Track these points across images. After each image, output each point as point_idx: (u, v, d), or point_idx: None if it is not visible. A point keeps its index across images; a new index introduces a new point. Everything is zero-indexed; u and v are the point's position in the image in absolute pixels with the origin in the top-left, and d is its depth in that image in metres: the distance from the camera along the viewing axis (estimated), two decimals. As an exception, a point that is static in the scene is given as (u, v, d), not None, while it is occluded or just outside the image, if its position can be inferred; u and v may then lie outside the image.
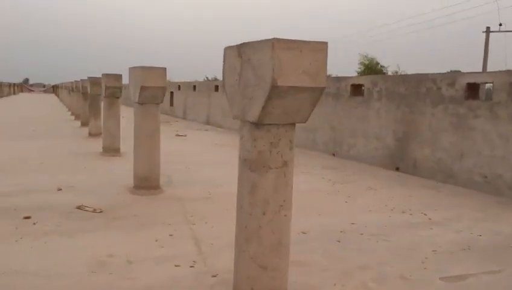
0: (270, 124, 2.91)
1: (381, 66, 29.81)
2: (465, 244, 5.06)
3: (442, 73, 9.11)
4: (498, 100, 7.82)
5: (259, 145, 2.95)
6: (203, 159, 10.57)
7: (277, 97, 2.75)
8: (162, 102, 6.65)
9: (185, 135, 16.16)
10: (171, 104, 28.52)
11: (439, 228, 5.72)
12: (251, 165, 2.99)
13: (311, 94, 2.85)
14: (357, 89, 11.51)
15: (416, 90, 9.57)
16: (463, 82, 8.48)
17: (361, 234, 5.30)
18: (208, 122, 21.85)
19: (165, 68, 6.55)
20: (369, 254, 4.65)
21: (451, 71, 23.14)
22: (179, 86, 26.96)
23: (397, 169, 10.03)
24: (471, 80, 8.34)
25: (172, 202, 6.40)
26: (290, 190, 3.13)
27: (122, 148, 11.24)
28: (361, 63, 30.62)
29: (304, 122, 3.08)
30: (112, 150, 10.43)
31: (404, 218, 6.13)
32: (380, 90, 10.61)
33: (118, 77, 10.17)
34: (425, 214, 6.34)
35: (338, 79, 12.47)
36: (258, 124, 2.91)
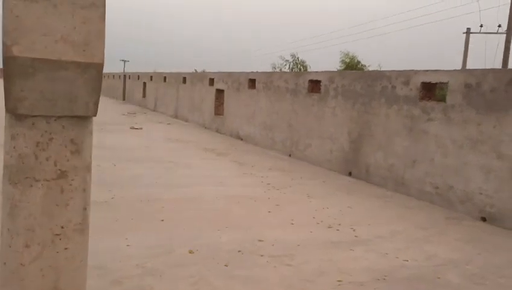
0: (35, 116, 1.99)
1: (362, 65, 28.98)
2: (382, 273, 4.18)
3: (398, 70, 8.24)
4: (452, 102, 6.96)
5: (20, 146, 2.02)
6: (140, 156, 9.63)
7: (21, 74, 1.83)
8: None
9: (141, 128, 15.18)
10: (144, 95, 27.48)
11: (362, 248, 4.83)
12: (11, 176, 2.06)
13: (81, 73, 1.93)
14: (315, 86, 10.62)
15: (372, 89, 8.69)
16: (417, 81, 7.61)
17: (262, 255, 4.40)
18: (176, 116, 20.87)
19: None
20: (255, 285, 3.74)
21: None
22: (151, 76, 25.91)
23: (350, 174, 9.16)
24: (426, 79, 7.47)
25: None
26: (76, 212, 2.20)
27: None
28: (342, 61, 29.77)
29: (92, 115, 2.15)
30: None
31: (326, 235, 5.24)
32: (336, 88, 9.72)
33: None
34: (353, 230, 5.46)
35: (297, 74, 11.56)
36: (17, 115, 1.98)
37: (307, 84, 10.76)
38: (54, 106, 1.99)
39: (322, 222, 5.74)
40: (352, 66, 29.06)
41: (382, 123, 8.39)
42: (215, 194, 6.65)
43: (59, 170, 2.09)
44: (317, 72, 10.65)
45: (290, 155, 11.27)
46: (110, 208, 5.59)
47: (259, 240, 4.81)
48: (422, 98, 7.56)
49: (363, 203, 6.92)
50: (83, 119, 2.12)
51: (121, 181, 7.07)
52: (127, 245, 4.37)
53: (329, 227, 5.55)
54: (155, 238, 4.63)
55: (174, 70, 21.33)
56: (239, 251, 4.44)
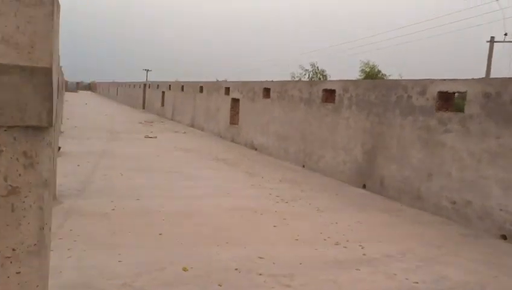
0: (-19, 126, 1.80)
1: (382, 75, 28.47)
2: (388, 297, 3.87)
3: (414, 79, 7.91)
4: (470, 113, 6.60)
5: (-35, 159, 1.83)
6: (149, 165, 9.48)
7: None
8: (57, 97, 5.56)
9: (155, 137, 15.11)
10: (162, 104, 27.57)
11: (369, 269, 4.52)
12: (-44, 192, 1.87)
13: (28, 79, 1.73)
14: (329, 95, 10.34)
15: (386, 99, 8.37)
16: (434, 90, 7.27)
17: (260, 274, 4.14)
18: (192, 125, 20.80)
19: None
20: (247, 307, 3.49)
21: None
22: (169, 85, 25.97)
23: (364, 187, 8.82)
24: (443, 88, 7.12)
25: (54, 219, 5.27)
26: (30, 233, 1.99)
27: (78, 147, 10.24)
28: (362, 71, 29.32)
29: (48, 125, 1.95)
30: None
31: (332, 252, 4.95)
32: (350, 97, 9.42)
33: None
34: (362, 247, 5.15)
35: (311, 83, 11.30)
36: (-38, 125, 1.79)
37: (321, 93, 10.49)
38: (1, 115, 1.81)
39: (329, 238, 5.45)
40: (372, 75, 28.62)
41: (397, 134, 8.05)
42: (219, 207, 6.42)
43: (10, 185, 1.89)
44: (331, 81, 10.38)
45: (303, 166, 10.99)
46: (109, 220, 5.42)
47: (260, 258, 4.55)
48: (439, 109, 7.22)
49: (375, 218, 6.60)
50: (38, 130, 1.92)
51: (125, 192, 6.90)
52: (119, 261, 4.17)
53: (336, 244, 5.25)
54: (149, 254, 4.43)
55: (204, 80, 21.22)
56: (236, 269, 4.19)
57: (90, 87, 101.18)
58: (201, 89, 19.85)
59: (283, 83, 12.46)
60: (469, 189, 6.54)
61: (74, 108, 29.09)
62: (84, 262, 4.06)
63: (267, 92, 13.35)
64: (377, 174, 8.49)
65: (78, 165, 8.76)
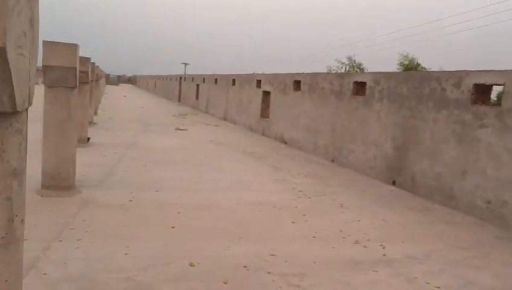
0: None
1: (421, 68, 27.45)
2: (404, 303, 3.60)
3: (448, 71, 7.46)
4: (508, 107, 6.14)
5: None
6: (174, 157, 9.44)
7: None
8: (75, 86, 5.54)
9: (186, 129, 15.13)
10: (197, 97, 27.70)
11: (388, 270, 4.25)
12: None
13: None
14: (360, 88, 9.97)
15: (419, 91, 7.96)
16: (470, 82, 6.82)
17: (269, 273, 3.95)
18: (225, 118, 20.76)
19: (76, 45, 5.44)
20: (250, 308, 3.31)
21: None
22: (204, 78, 26.04)
23: (394, 183, 8.46)
24: (479, 81, 6.67)
25: (70, 208, 5.28)
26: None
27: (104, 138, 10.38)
28: (401, 64, 28.38)
29: (11, 110, 1.81)
30: (77, 140, 9.50)
31: (350, 251, 4.70)
32: (381, 90, 9.04)
33: (85, 61, 9.22)
34: (383, 247, 4.87)
35: (342, 75, 10.95)
36: None
37: (351, 86, 10.14)
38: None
39: (349, 236, 5.20)
40: (411, 68, 27.69)
41: (429, 129, 7.64)
42: (238, 201, 6.27)
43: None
44: (362, 73, 10.02)
45: (333, 161, 10.68)
46: (123, 212, 5.36)
47: (272, 255, 4.37)
48: (474, 102, 6.78)
49: (401, 217, 6.27)
50: (3, 116, 1.81)
51: (145, 183, 6.86)
52: (126, 254, 4.08)
53: (355, 242, 5.00)
54: (158, 247, 4.32)
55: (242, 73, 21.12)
56: (245, 267, 4.02)
57: (131, 80, 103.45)
58: (233, 82, 19.75)
59: (313, 75, 12.15)
60: (505, 188, 6.10)
61: (112, 101, 29.69)
62: (91, 254, 4.00)
63: (297, 84, 13.08)
64: (408, 171, 8.10)
65: (105, 156, 8.82)
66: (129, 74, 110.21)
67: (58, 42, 5.37)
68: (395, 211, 6.55)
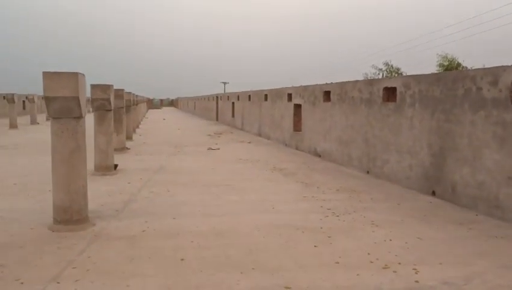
0: None
1: (463, 68, 26.05)
2: None
3: (483, 68, 6.79)
4: (554, 102, 5.44)
5: None
6: (199, 179, 9.15)
7: None
8: (81, 115, 5.34)
9: (218, 149, 14.91)
10: (233, 115, 27.63)
11: (419, 301, 3.70)
12: None
13: None
14: (391, 94, 9.38)
15: (453, 93, 7.32)
16: (507, 79, 6.16)
17: (279, 310, 3.50)
18: (259, 134, 20.47)
19: (78, 74, 5.25)
20: None
21: None
22: (238, 96, 25.94)
23: (433, 193, 7.78)
24: (518, 75, 5.99)
25: (78, 244, 5.04)
26: None
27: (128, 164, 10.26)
28: (440, 65, 27.08)
29: None
30: (103, 168, 9.44)
31: (377, 279, 4.17)
32: (412, 94, 8.43)
33: (106, 88, 9.17)
34: (416, 272, 4.31)
35: (371, 82, 10.38)
36: None
37: (381, 92, 9.57)
38: None
39: (377, 259, 4.66)
40: (451, 69, 26.43)
41: (467, 133, 6.98)
42: (257, 224, 5.86)
43: None
44: (390, 78, 9.42)
45: (367, 172, 10.09)
46: (134, 244, 5.07)
47: (286, 288, 3.92)
48: (514, 100, 6.09)
49: (440, 232, 5.65)
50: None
51: (164, 210, 6.58)
52: (124, 294, 3.76)
53: (384, 267, 4.46)
54: (160, 285, 3.97)
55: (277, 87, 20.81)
56: (250, 304, 3.59)
57: (173, 103, 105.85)
58: (266, 97, 19.47)
59: (342, 84, 11.64)
60: (558, 195, 5.37)
61: (151, 124, 30.15)
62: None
63: (327, 95, 12.60)
64: (447, 179, 7.43)
65: (129, 183, 8.66)
66: (172, 97, 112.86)
67: (59, 72, 5.22)
68: (433, 226, 5.93)
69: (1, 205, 6.79)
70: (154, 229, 5.64)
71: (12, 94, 24.90)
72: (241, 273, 4.25)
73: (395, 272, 4.34)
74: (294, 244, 5.14)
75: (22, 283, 3.95)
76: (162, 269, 4.33)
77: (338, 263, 4.57)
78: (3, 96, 30.56)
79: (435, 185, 7.74)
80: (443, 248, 5.06)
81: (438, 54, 39.07)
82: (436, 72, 27.34)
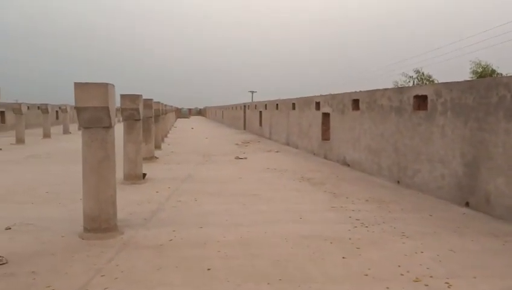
0: None
1: (497, 74, 25.32)
2: None
3: (518, 74, 6.60)
4: None
5: None
6: (227, 188, 9.16)
7: None
8: (110, 125, 5.44)
9: (245, 158, 14.92)
10: (260, 124, 27.67)
11: (452, 317, 3.57)
12: None
13: None
14: (422, 102, 9.20)
15: (486, 100, 7.11)
16: (544, 85, 5.93)
17: (306, 323, 3.44)
18: (287, 143, 20.40)
19: (107, 84, 5.36)
20: None
21: None
22: (265, 105, 25.97)
23: (467, 204, 7.55)
24: (556, 82, 5.77)
25: (107, 252, 5.09)
26: None
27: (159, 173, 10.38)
28: (474, 72, 26.40)
29: None
30: (132, 177, 9.58)
31: (408, 292, 4.05)
32: (444, 102, 8.24)
33: (135, 98, 9.32)
34: (448, 286, 4.17)
35: (400, 90, 10.20)
36: None
37: (411, 100, 9.39)
38: None
39: (408, 272, 4.53)
40: (485, 76, 25.75)
41: (501, 141, 6.76)
42: (285, 235, 5.80)
43: None
44: (421, 85, 9.24)
45: (398, 182, 9.89)
46: (161, 253, 5.10)
47: (312, 301, 3.85)
48: (552, 107, 5.87)
49: (474, 245, 5.46)
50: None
51: (191, 219, 6.60)
52: (150, 303, 3.76)
53: (415, 280, 4.33)
54: (187, 293, 3.97)
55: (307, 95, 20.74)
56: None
57: (201, 112, 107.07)
58: (293, 106, 19.42)
59: (371, 93, 11.49)
60: None
61: (179, 134, 30.51)
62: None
63: (355, 103, 12.46)
64: (481, 190, 7.20)
65: (157, 192, 8.74)
66: (200, 106, 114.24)
67: (90, 83, 5.34)
68: (467, 238, 5.74)
69: (34, 213, 6.95)
70: (181, 238, 5.66)
71: (46, 105, 25.64)
72: (268, 284, 4.20)
73: (426, 285, 4.21)
74: (322, 255, 5.06)
75: (52, 289, 4.01)
76: (189, 279, 4.33)
77: (367, 275, 4.47)
78: (38, 107, 31.55)
79: (469, 195, 7.51)
80: (477, 261, 4.88)
81: (471, 60, 38.16)
82: (469, 79, 26.74)
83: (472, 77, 26.42)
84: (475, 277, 4.41)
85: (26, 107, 24.13)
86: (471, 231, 6.10)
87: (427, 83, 30.61)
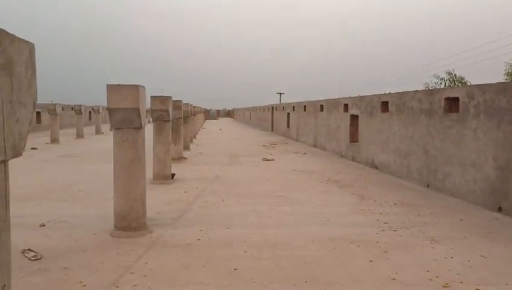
0: None
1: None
2: None
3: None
4: None
5: None
6: (254, 189, 9.20)
7: None
8: (141, 126, 5.56)
9: (273, 159, 14.93)
10: (288, 125, 27.63)
11: (482, 324, 3.50)
12: None
13: None
14: (453, 104, 9.02)
15: (521, 102, 6.92)
16: None
17: (332, 325, 3.43)
18: (315, 145, 20.31)
19: (138, 86, 5.48)
20: None
21: None
22: (293, 106, 25.92)
23: (499, 209, 7.36)
24: None
25: (136, 250, 5.21)
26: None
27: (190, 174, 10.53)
28: (508, 73, 25.61)
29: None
30: (161, 177, 9.74)
31: (436, 298, 3.98)
32: (477, 105, 8.05)
33: (164, 100, 9.47)
34: (479, 293, 4.08)
35: (431, 92, 10.02)
36: None
37: (442, 102, 9.22)
38: None
39: (437, 277, 4.46)
40: (520, 78, 24.99)
41: (537, 145, 6.56)
42: (311, 237, 5.79)
43: None
44: (453, 88, 9.05)
45: (428, 186, 9.71)
46: (189, 252, 5.18)
47: (338, 303, 3.83)
48: None
49: (505, 252, 5.32)
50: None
51: (218, 219, 6.67)
52: (178, 301, 3.83)
53: (445, 286, 4.26)
54: (214, 293, 4.02)
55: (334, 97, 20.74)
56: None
57: (229, 113, 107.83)
58: (321, 108, 19.32)
59: (401, 95, 11.33)
60: None
61: (208, 135, 30.78)
62: (142, 301, 3.81)
63: (385, 105, 12.31)
64: (515, 195, 7.00)
65: (185, 192, 8.86)
66: (229, 108, 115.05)
67: (121, 85, 5.47)
68: (499, 244, 5.60)
69: (67, 210, 7.16)
70: (208, 238, 5.73)
71: (80, 105, 26.32)
72: (294, 285, 4.21)
73: (456, 291, 4.14)
74: (348, 258, 5.03)
75: (84, 286, 4.13)
76: (216, 278, 4.38)
77: (394, 279, 4.42)
78: (72, 108, 32.42)
79: (502, 200, 7.32)
80: (509, 268, 4.76)
81: (505, 62, 37.04)
82: (503, 81, 26.01)
83: (507, 79, 25.68)
84: (507, 284, 4.31)
85: (61, 108, 24.86)
86: (503, 237, 5.95)
87: (459, 85, 29.91)
